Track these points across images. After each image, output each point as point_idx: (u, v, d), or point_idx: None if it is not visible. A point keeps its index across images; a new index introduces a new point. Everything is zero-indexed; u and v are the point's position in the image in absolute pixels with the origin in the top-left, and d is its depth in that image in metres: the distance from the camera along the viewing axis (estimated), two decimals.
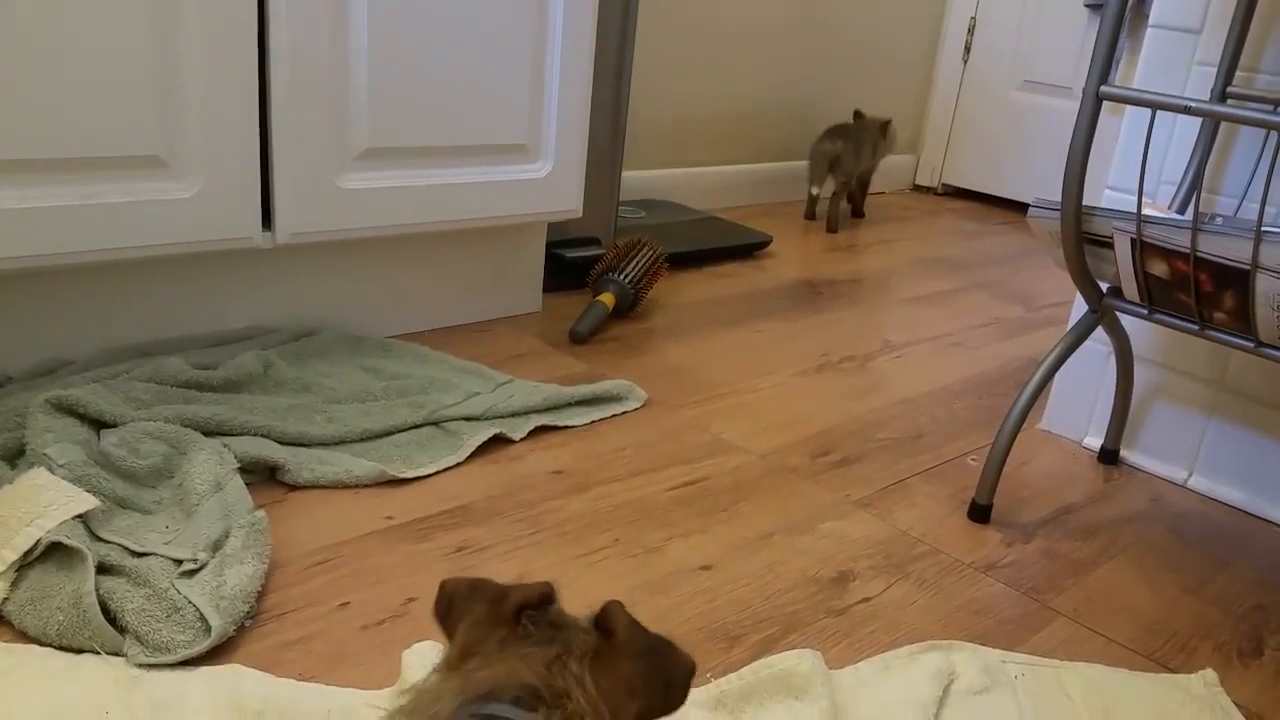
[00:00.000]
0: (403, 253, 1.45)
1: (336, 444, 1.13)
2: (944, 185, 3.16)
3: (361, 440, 1.14)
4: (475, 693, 0.52)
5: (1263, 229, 0.95)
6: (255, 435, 1.09)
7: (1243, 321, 1.02)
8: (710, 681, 0.83)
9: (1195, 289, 1.03)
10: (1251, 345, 1.02)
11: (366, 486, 1.07)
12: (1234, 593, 1.07)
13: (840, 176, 2.46)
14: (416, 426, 1.18)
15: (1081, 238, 1.11)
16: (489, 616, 0.57)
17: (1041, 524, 1.17)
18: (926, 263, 2.31)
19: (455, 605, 0.60)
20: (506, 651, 0.54)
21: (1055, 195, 1.10)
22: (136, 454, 1.00)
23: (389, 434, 1.16)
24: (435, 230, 1.41)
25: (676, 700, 0.57)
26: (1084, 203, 1.09)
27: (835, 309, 1.88)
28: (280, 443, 1.09)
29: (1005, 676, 0.88)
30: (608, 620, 0.57)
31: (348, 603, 0.89)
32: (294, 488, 1.05)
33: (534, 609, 0.58)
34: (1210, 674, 0.92)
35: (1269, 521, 1.24)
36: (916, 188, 3.21)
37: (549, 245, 1.66)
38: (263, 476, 1.06)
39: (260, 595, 0.87)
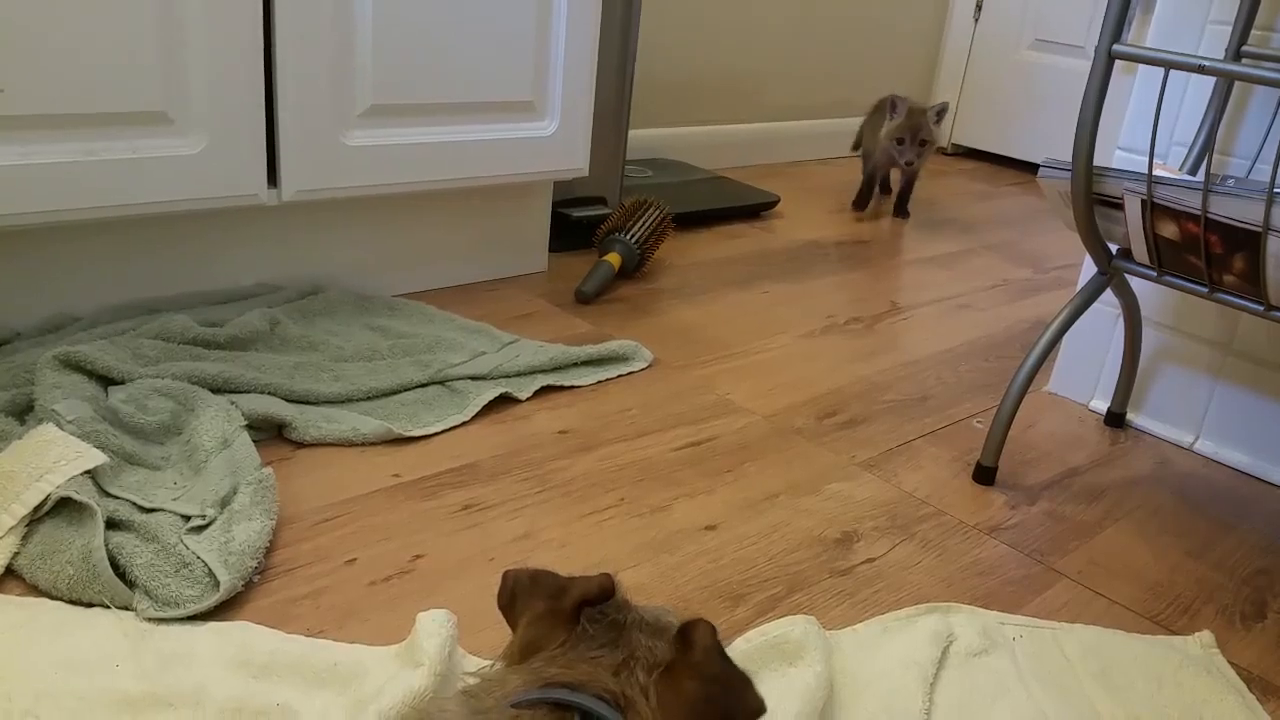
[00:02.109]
0: (408, 212, 1.45)
1: (343, 402, 1.13)
2: (954, 145, 3.13)
3: (368, 399, 1.14)
4: (549, 682, 0.52)
5: (1275, 190, 0.94)
6: (262, 393, 1.09)
7: (1253, 284, 1.01)
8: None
9: (1205, 251, 1.02)
10: (1261, 309, 1.01)
11: (373, 445, 1.07)
12: (1238, 556, 1.08)
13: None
14: (423, 385, 1.18)
15: (1092, 198, 1.10)
16: (549, 612, 0.58)
17: (1046, 486, 1.17)
18: (935, 224, 2.29)
19: (518, 598, 0.61)
20: (574, 654, 0.55)
21: (1066, 155, 1.09)
22: (144, 410, 1.00)
23: (395, 393, 1.16)
24: (441, 188, 1.40)
25: None
26: (1095, 163, 1.08)
27: (843, 270, 1.87)
28: (287, 400, 1.10)
29: (1004, 638, 0.88)
30: (690, 635, 0.56)
31: (355, 559, 0.89)
32: (301, 445, 1.06)
33: (594, 604, 0.58)
34: (1207, 636, 0.92)
35: (1274, 485, 1.24)
36: None
37: (555, 205, 1.65)
38: (270, 434, 1.06)
39: (268, 551, 0.87)
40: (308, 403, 1.11)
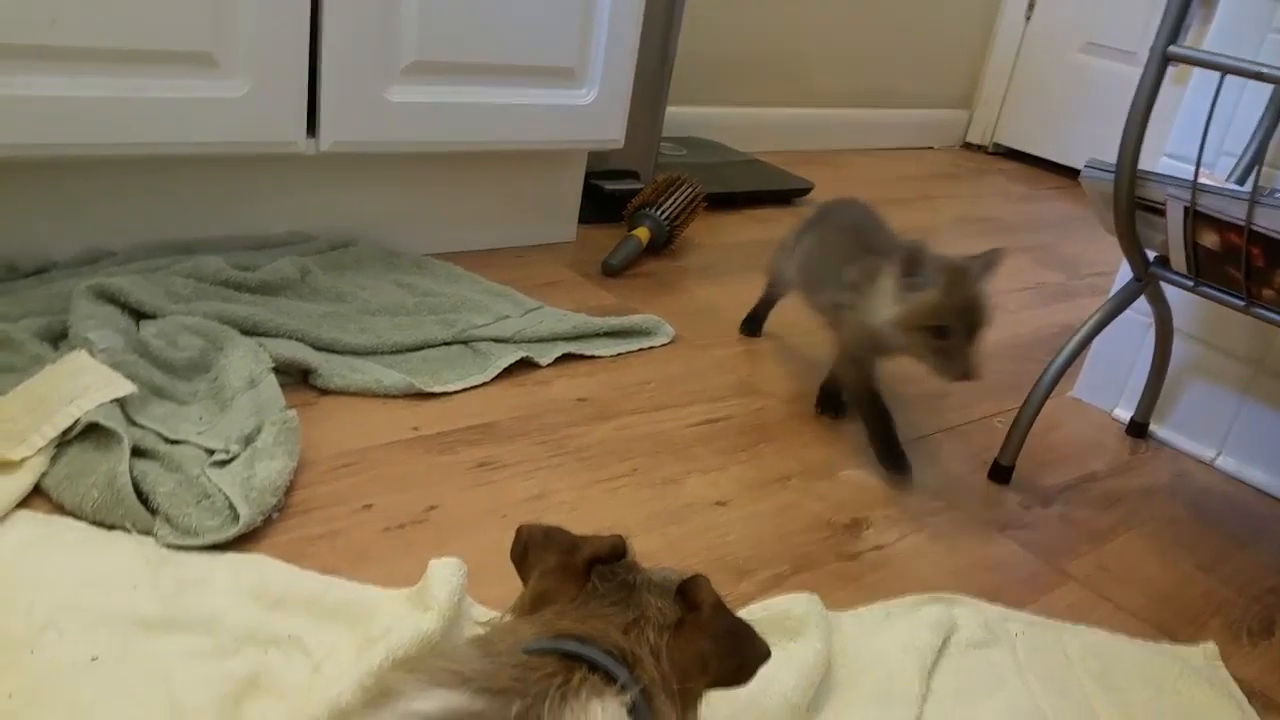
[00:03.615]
0: (443, 171, 1.45)
1: (368, 354, 1.14)
2: (995, 145, 3.10)
3: (392, 352, 1.15)
4: (560, 634, 0.54)
5: None
6: (290, 338, 1.10)
7: None
8: None
9: (1246, 263, 1.01)
10: None
11: (395, 397, 1.09)
12: (1249, 573, 1.07)
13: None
14: (446, 344, 1.19)
15: (1133, 202, 1.09)
16: (560, 567, 0.59)
17: (1062, 490, 1.17)
18: (970, 222, 2.27)
19: (530, 552, 0.62)
20: (585, 610, 0.56)
21: (1110, 161, 1.08)
22: (175, 346, 1.02)
23: (419, 349, 1.17)
24: (477, 149, 1.41)
25: (744, 680, 0.60)
26: (1139, 167, 1.07)
27: None
28: (314, 348, 1.11)
29: (1005, 633, 0.89)
30: (694, 594, 0.58)
31: (371, 505, 0.91)
32: (325, 392, 1.07)
33: (604, 562, 0.59)
34: (1211, 647, 0.92)
35: None
36: (967, 145, 3.14)
37: (587, 176, 1.65)
38: (295, 379, 1.08)
39: (288, 491, 0.89)
40: (334, 351, 1.13)
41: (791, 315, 1.52)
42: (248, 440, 0.91)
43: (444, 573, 0.75)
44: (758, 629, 0.80)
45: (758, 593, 0.88)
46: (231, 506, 0.82)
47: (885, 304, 1.05)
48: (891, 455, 1.12)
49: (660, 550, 0.92)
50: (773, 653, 0.79)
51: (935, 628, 0.85)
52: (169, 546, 0.79)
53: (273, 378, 1.00)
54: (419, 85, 1.30)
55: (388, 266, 1.36)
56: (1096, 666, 0.87)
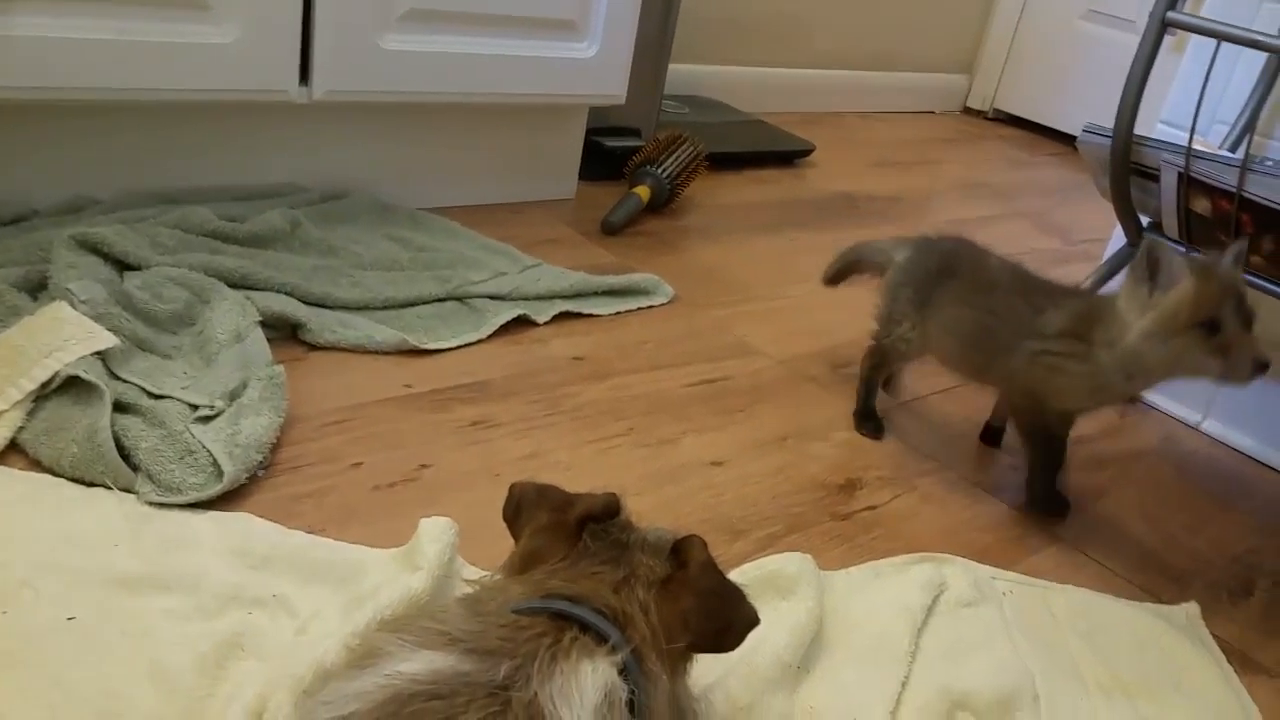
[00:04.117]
0: (440, 124, 1.43)
1: (360, 309, 1.12)
2: (995, 110, 3.07)
3: (385, 308, 1.14)
4: (550, 593, 0.53)
5: None
6: (279, 292, 1.08)
7: (1279, 267, 0.99)
8: None
9: (1236, 229, 1.00)
10: None
11: (387, 353, 1.07)
12: (1231, 535, 1.07)
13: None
14: (440, 300, 1.17)
15: (1129, 166, 1.08)
16: (552, 525, 0.58)
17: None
18: (969, 187, 2.25)
19: (522, 509, 0.61)
20: (576, 569, 0.55)
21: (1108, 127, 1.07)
22: (159, 298, 1.00)
23: (412, 304, 1.15)
24: (474, 102, 1.38)
25: (730, 645, 0.59)
26: (1135, 133, 1.06)
27: (872, 224, 1.84)
28: (303, 302, 1.09)
29: (994, 592, 0.89)
30: (684, 552, 0.57)
31: (361, 463, 0.89)
32: (314, 347, 1.05)
33: (597, 520, 0.58)
34: (1193, 607, 0.93)
35: (1276, 470, 1.23)
36: (967, 110, 3.11)
37: (588, 132, 1.62)
38: (284, 334, 1.06)
39: (274, 448, 0.87)
40: (324, 306, 1.11)
41: (792, 276, 1.51)
42: (233, 396, 0.89)
43: (434, 531, 0.74)
44: (751, 588, 0.80)
45: (752, 552, 0.88)
46: (215, 463, 0.81)
47: (1134, 319, 0.91)
48: (1049, 497, 1.04)
49: (655, 510, 0.91)
50: (765, 612, 0.78)
51: (925, 587, 0.85)
52: (151, 504, 0.77)
53: (260, 332, 0.99)
54: (415, 34, 1.27)
55: (381, 220, 1.33)
56: (1082, 625, 0.88)
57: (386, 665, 0.47)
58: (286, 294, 1.09)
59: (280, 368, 0.94)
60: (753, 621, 0.58)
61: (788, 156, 2.11)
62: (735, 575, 0.81)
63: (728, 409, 1.11)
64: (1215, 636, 0.90)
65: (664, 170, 1.58)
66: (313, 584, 0.74)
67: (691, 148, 1.62)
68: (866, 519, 0.97)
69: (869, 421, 1.13)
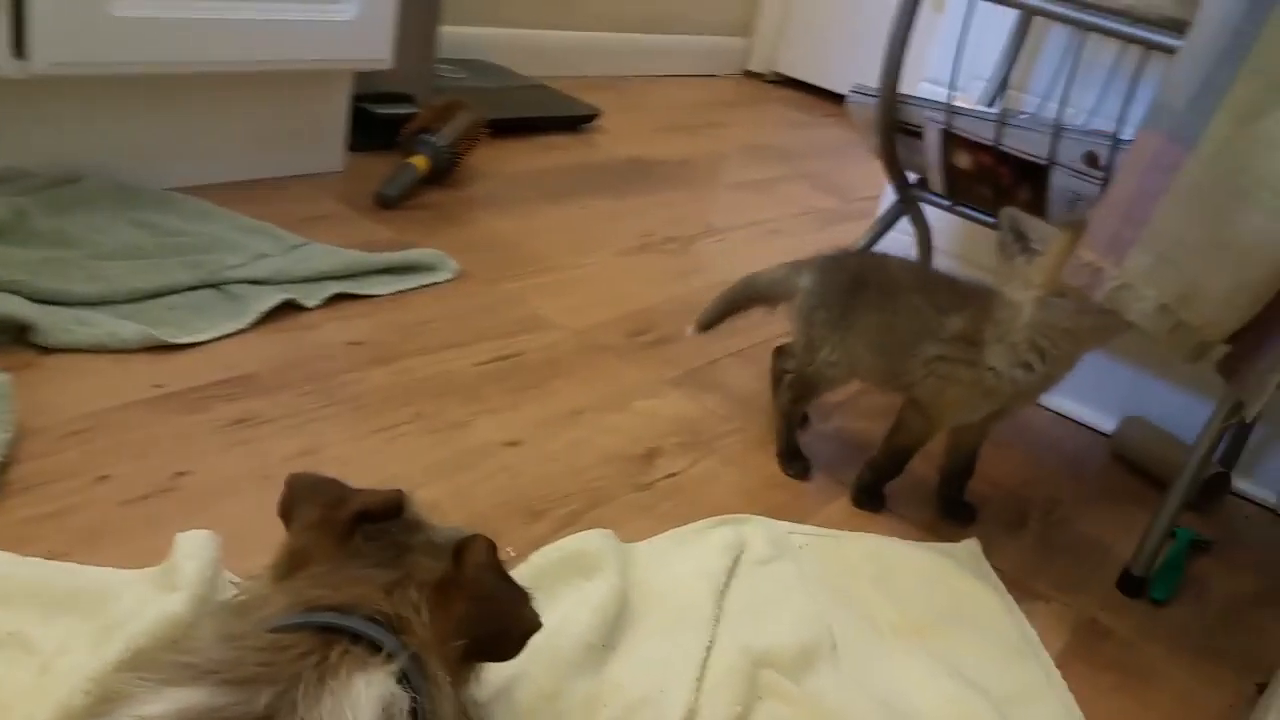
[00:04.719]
0: (184, 96, 1.30)
1: (99, 304, 1.01)
2: (775, 73, 3.15)
3: (129, 301, 1.03)
4: (312, 605, 0.49)
5: (1062, 127, 0.98)
6: (1, 291, 0.95)
7: (1036, 215, 1.05)
8: (510, 556, 0.81)
9: (996, 182, 1.06)
10: None
11: (133, 351, 0.97)
12: (1006, 470, 1.15)
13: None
14: (194, 288, 1.07)
15: (894, 125, 1.12)
16: (322, 523, 0.54)
17: (839, 405, 1.20)
18: (754, 149, 2.30)
19: (296, 505, 0.56)
20: (342, 573, 0.51)
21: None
22: None
23: (161, 295, 1.05)
24: (220, 71, 1.26)
25: (509, 653, 0.56)
26: (899, 92, 1.09)
27: (661, 190, 1.85)
28: (32, 300, 0.97)
29: (790, 547, 0.91)
30: (463, 554, 0.54)
31: (108, 476, 0.81)
32: (48, 350, 0.94)
33: (375, 519, 0.54)
34: (973, 543, 0.99)
35: (1048, 410, 1.33)
36: (749, 73, 3.18)
37: (355, 99, 1.53)
38: (10, 337, 0.94)
39: (4, 467, 0.78)
40: (58, 303, 0.99)
41: (585, 245, 1.49)
42: None
43: (192, 547, 0.68)
44: (552, 571, 0.78)
45: (551, 533, 0.86)
46: None
47: (1023, 293, 0.89)
48: (876, 495, 1.02)
49: (447, 498, 0.87)
50: (568, 593, 0.77)
51: (725, 550, 0.86)
52: None
53: None
54: None
55: (123, 204, 1.20)
56: (874, 570, 0.91)
57: (126, 710, 0.42)
58: (10, 292, 0.96)
59: (7, 377, 0.84)
60: (531, 628, 0.55)
61: (573, 122, 2.08)
62: (535, 557, 0.79)
63: (522, 386, 1.08)
64: (996, 568, 0.96)
65: (441, 138, 1.51)
66: (56, 616, 0.66)
67: (470, 114, 1.55)
68: (667, 487, 0.96)
69: (795, 461, 1.04)
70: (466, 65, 2.13)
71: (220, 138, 1.36)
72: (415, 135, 1.52)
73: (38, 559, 0.70)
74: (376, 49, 1.40)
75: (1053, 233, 0.88)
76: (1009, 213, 0.90)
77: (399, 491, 0.56)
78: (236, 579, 0.70)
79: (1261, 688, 0.88)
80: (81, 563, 0.71)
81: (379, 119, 1.59)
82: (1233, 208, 0.74)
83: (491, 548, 0.54)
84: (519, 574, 0.76)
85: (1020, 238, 0.90)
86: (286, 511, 0.57)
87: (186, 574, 0.66)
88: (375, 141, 1.59)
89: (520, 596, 0.55)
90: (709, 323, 1.13)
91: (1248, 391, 0.82)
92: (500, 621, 0.54)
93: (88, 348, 0.95)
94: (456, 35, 2.17)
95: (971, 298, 0.95)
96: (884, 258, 1.05)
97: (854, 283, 1.00)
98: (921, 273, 1.05)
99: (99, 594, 0.67)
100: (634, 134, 2.17)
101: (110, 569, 0.70)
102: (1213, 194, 0.75)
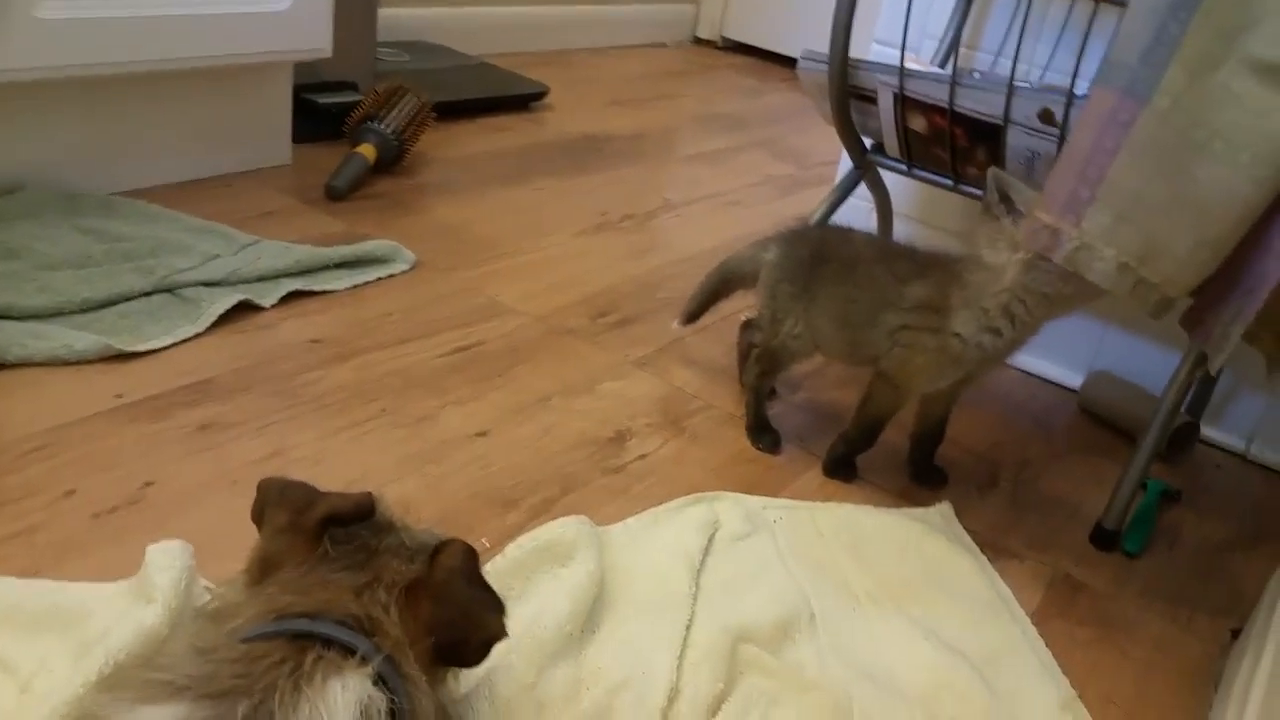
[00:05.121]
0: (122, 97, 1.26)
1: (51, 316, 0.99)
2: (725, 39, 3.13)
3: (82, 311, 1.01)
4: (283, 613, 0.49)
5: (1015, 84, 0.98)
6: None
7: None
8: (485, 548, 0.81)
9: (951, 144, 1.06)
10: None
11: (90, 362, 0.95)
12: (976, 432, 1.16)
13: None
14: (146, 294, 1.05)
15: (847, 91, 1.11)
16: (291, 527, 0.54)
17: (808, 375, 1.21)
18: (707, 119, 2.29)
19: (266, 510, 0.56)
20: (310, 578, 0.51)
21: (826, 50, 1.09)
22: None
23: (114, 303, 1.03)
24: (156, 70, 1.23)
25: (471, 659, 0.55)
26: (851, 56, 1.09)
27: (615, 166, 1.84)
28: None
29: (765, 521, 0.92)
30: (437, 558, 0.54)
31: (73, 490, 0.79)
32: (3, 366, 0.92)
33: (344, 523, 0.53)
34: (946, 507, 1.00)
35: (1014, 369, 1.34)
36: (698, 40, 3.16)
37: (297, 90, 1.49)
38: None
39: None
40: (8, 317, 0.97)
41: (540, 228, 1.47)
42: None
43: (164, 559, 0.67)
44: (529, 562, 0.78)
45: (525, 522, 0.86)
46: None
47: (1005, 257, 0.88)
48: (848, 465, 1.03)
49: (419, 493, 0.87)
50: (545, 581, 0.77)
51: (700, 527, 0.87)
52: None
53: None
54: None
55: (67, 211, 1.17)
56: (847, 539, 0.92)
57: None
58: None
59: None
60: (494, 637, 0.55)
61: (521, 100, 2.06)
62: (511, 549, 0.79)
63: (486, 375, 1.07)
64: (968, 530, 0.97)
65: (388, 125, 1.49)
66: (32, 635, 0.65)
67: (415, 98, 1.53)
68: (639, 468, 0.97)
69: (765, 435, 1.05)
70: (408, 47, 2.09)
71: (162, 138, 1.33)
72: (361, 124, 1.49)
73: (9, 578, 0.69)
74: (315, 38, 1.37)
75: (1038, 195, 0.87)
76: (995, 173, 0.89)
77: (368, 494, 0.56)
78: (211, 585, 0.69)
79: (1236, 633, 0.89)
80: (53, 579, 0.70)
81: (323, 109, 1.56)
82: (1190, 162, 0.75)
83: (467, 552, 0.54)
84: (495, 566, 0.77)
85: (1005, 199, 0.89)
86: (258, 516, 0.57)
87: (160, 586, 0.65)
88: (321, 132, 1.56)
89: (488, 603, 0.55)
90: (692, 314, 1.13)
91: (1212, 344, 0.83)
92: (462, 627, 0.54)
93: (43, 361, 0.93)
94: (395, 17, 2.13)
95: (931, 266, 0.95)
96: (847, 230, 1.06)
97: (816, 256, 1.01)
98: (882, 244, 1.05)
99: (74, 610, 0.67)
100: (583, 110, 2.16)
101: (83, 584, 0.70)
102: (1169, 149, 0.75)
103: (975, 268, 0.91)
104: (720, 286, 1.12)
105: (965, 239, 0.94)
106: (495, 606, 0.55)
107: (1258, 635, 0.80)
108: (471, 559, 0.55)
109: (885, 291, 0.95)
